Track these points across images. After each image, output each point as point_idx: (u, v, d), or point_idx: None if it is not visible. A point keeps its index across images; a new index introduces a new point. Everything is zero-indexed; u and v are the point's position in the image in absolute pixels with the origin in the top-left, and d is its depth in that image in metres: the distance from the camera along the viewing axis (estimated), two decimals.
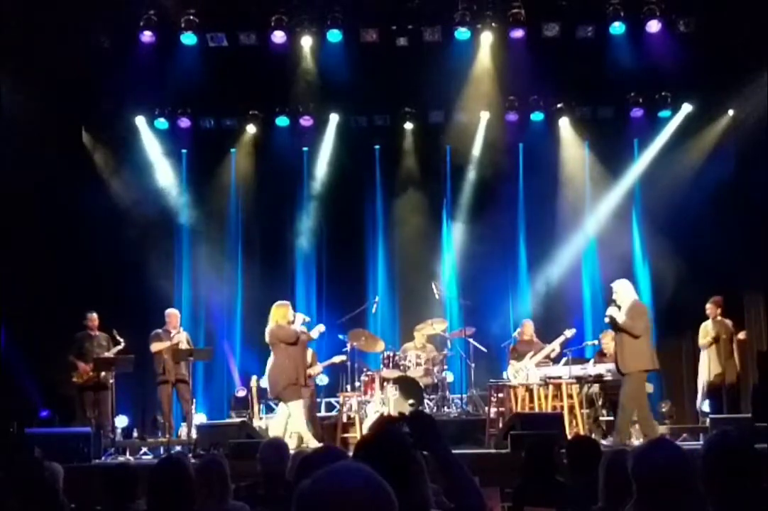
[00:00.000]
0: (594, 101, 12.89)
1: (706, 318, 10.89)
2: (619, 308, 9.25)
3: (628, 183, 13.02)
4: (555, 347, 10.54)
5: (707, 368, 10.72)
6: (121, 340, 10.53)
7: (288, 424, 9.35)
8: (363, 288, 13.03)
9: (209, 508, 3.96)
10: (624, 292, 9.36)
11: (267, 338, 9.51)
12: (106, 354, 10.44)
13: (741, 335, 10.82)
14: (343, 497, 1.57)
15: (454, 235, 13.22)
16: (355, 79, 11.69)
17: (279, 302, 9.74)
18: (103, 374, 10.28)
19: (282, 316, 9.44)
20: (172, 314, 10.78)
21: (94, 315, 10.63)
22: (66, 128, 12.00)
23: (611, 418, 9.90)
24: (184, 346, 10.41)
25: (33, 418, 10.68)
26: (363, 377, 10.77)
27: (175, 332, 10.50)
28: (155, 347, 10.39)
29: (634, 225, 13.06)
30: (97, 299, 11.49)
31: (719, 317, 10.77)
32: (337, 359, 11.05)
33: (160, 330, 10.56)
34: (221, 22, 11.68)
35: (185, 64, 11.65)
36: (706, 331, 10.76)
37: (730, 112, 12.51)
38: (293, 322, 9.53)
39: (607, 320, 9.36)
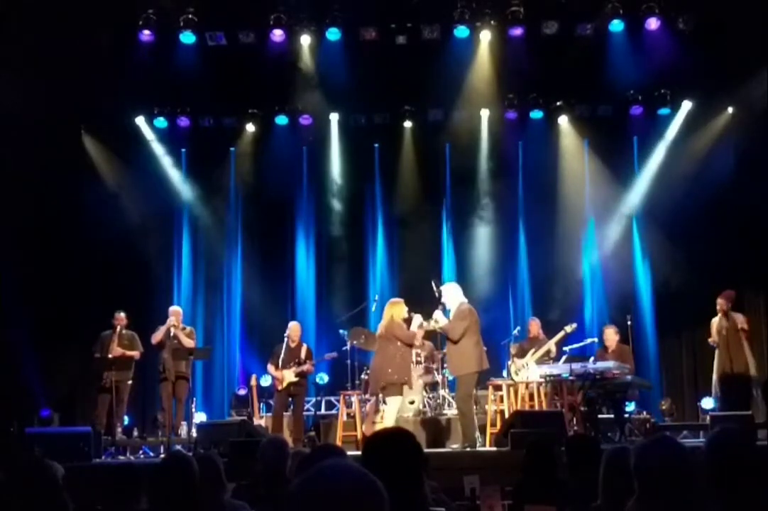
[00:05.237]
0: (593, 99, 12.87)
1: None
2: (449, 311, 9.28)
3: (628, 180, 13.01)
4: (554, 342, 10.53)
5: (717, 364, 10.48)
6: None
7: (399, 411, 9.22)
8: (363, 286, 13.03)
9: (206, 505, 3.94)
10: (450, 296, 9.37)
11: (380, 332, 9.23)
12: (118, 351, 10.41)
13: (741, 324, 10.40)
14: (333, 496, 1.55)
15: (454, 233, 13.22)
16: (355, 77, 11.69)
17: (395, 299, 9.49)
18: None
19: (399, 313, 9.14)
20: (174, 310, 10.75)
21: (122, 314, 10.53)
22: (66, 128, 11.99)
23: (611, 416, 9.90)
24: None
25: (33, 418, 10.68)
26: (363, 376, 10.77)
27: (171, 326, 10.47)
28: (153, 338, 10.41)
29: (635, 223, 13.04)
30: (97, 298, 11.51)
31: (720, 315, 10.53)
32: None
33: (161, 326, 10.56)
34: (220, 21, 11.69)
35: (184, 63, 11.67)
36: (712, 328, 10.55)
37: (730, 110, 12.50)
38: (409, 320, 9.26)
39: (432, 321, 9.35)
